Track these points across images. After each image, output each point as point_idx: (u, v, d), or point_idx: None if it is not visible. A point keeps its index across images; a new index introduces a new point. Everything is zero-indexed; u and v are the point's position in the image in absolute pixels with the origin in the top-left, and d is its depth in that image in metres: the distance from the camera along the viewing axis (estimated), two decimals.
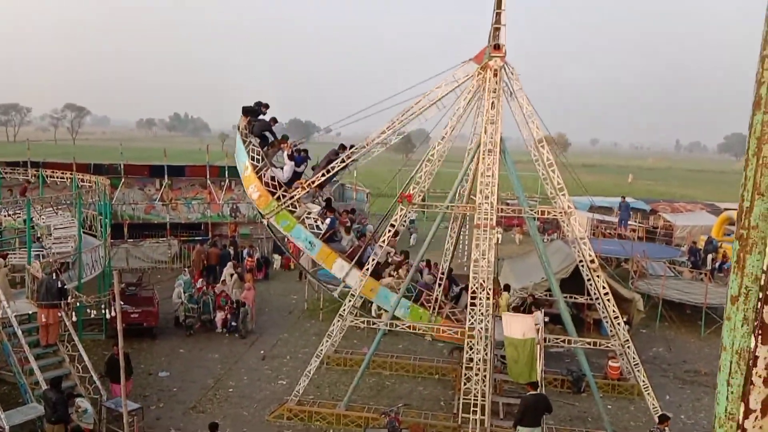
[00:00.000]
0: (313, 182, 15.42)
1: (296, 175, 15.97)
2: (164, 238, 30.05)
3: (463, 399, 14.01)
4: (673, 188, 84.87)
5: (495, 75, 13.56)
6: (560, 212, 14.29)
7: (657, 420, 13.27)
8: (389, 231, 15.00)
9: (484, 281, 13.82)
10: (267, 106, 16.93)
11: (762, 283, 1.17)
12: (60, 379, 13.49)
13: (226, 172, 33.50)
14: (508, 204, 18.27)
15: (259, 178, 15.41)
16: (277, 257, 30.46)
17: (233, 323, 20.69)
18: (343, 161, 15.30)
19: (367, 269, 14.64)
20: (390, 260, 16.29)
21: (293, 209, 15.23)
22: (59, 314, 15.22)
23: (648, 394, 14.29)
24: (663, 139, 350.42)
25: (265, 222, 15.67)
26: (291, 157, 15.97)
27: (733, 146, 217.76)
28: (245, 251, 28.66)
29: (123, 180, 31.84)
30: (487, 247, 13.84)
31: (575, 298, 18.63)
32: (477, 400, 13.68)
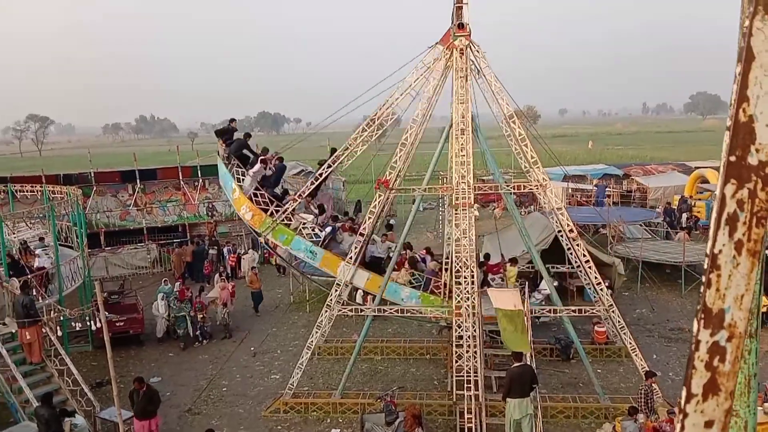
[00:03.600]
0: (303, 192, 15.38)
1: (266, 181, 15.90)
2: (142, 244, 29.73)
3: (456, 376, 14.17)
4: (644, 151, 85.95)
5: (461, 55, 13.59)
6: (536, 185, 14.43)
7: (644, 377, 13.59)
8: (369, 218, 15.02)
9: (467, 259, 13.94)
10: (235, 120, 16.93)
11: (705, 266, 1.21)
12: (50, 394, 13.37)
13: (199, 172, 33.15)
14: (484, 181, 18.39)
15: (250, 197, 15.32)
16: (255, 253, 30.33)
17: (204, 330, 20.19)
18: (329, 165, 15.22)
19: (351, 258, 14.66)
20: (391, 255, 16.33)
21: (288, 222, 15.19)
22: (43, 330, 15.04)
23: (635, 355, 14.60)
24: (630, 103, 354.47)
25: (262, 240, 15.61)
26: (264, 165, 15.98)
27: (699, 105, 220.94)
28: (225, 249, 28.50)
29: (94, 188, 31.32)
30: (467, 226, 13.94)
31: (557, 267, 18.87)
32: (470, 376, 13.85)
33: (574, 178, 38.87)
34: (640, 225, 28.84)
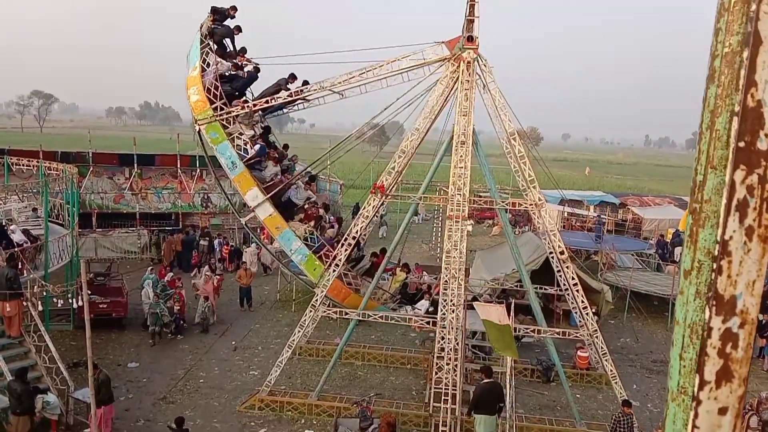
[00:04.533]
0: (254, 104, 15.09)
1: (234, 81, 15.68)
2: (134, 228, 29.62)
3: (435, 388, 14.12)
4: (642, 182, 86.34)
5: (468, 67, 13.62)
6: (531, 204, 14.44)
7: (621, 404, 13.56)
8: (361, 222, 14.99)
9: (456, 272, 13.92)
10: (235, 9, 16.44)
11: (716, 253, 1.20)
12: (25, 370, 13.24)
13: (197, 162, 33.09)
14: (480, 196, 18.38)
15: (203, 84, 14.98)
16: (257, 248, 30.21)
17: (180, 322, 19.72)
18: (291, 95, 15.06)
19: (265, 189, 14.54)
20: (306, 206, 16.03)
21: (227, 125, 14.89)
22: (24, 305, 14.93)
23: (615, 383, 14.57)
24: (633, 134, 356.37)
25: (196, 128, 15.35)
26: (239, 68, 15.67)
27: None
28: (216, 241, 28.41)
29: (91, 168, 31.27)
30: (459, 239, 13.93)
31: (545, 288, 18.88)
32: (448, 389, 13.79)
33: (570, 202, 38.99)
34: (632, 255, 28.89)
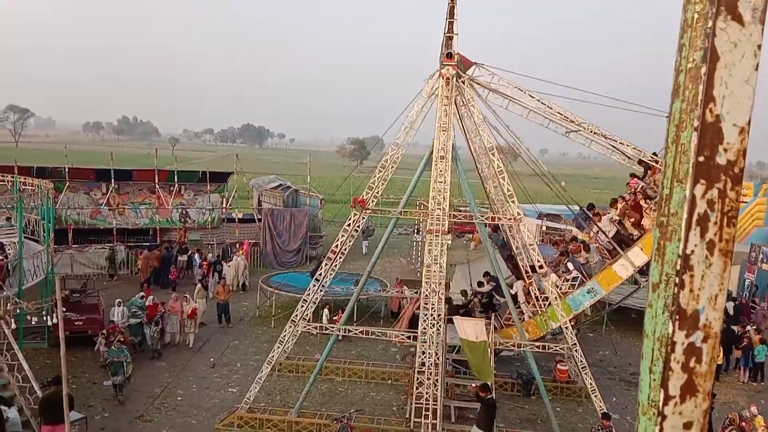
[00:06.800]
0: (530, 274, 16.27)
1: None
2: (111, 244, 29.20)
3: (416, 403, 14.07)
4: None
5: (447, 83, 13.76)
6: (510, 218, 14.56)
7: (600, 417, 13.63)
8: (342, 236, 14.97)
9: (436, 286, 13.95)
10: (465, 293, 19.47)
11: (678, 268, 1.21)
12: None
13: (176, 177, 32.81)
14: (460, 210, 18.47)
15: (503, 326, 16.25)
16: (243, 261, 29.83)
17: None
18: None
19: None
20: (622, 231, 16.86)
21: (547, 301, 15.73)
22: None
23: (595, 396, 14.65)
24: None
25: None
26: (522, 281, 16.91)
27: None
28: (195, 256, 28.07)
29: (68, 184, 30.77)
30: (439, 253, 13.97)
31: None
32: (429, 404, 13.76)
33: (549, 216, 39.31)
34: None
